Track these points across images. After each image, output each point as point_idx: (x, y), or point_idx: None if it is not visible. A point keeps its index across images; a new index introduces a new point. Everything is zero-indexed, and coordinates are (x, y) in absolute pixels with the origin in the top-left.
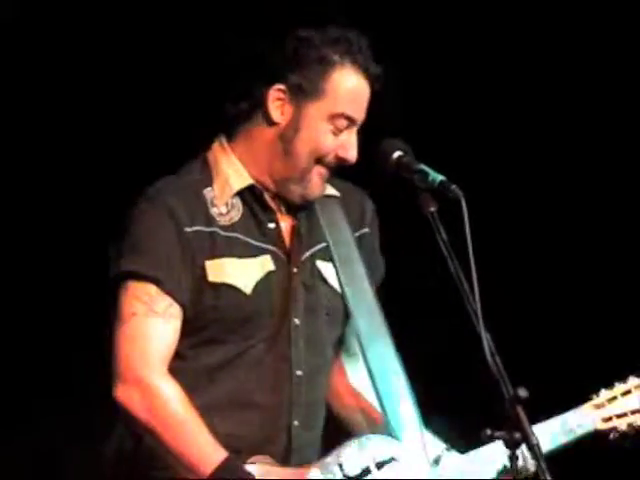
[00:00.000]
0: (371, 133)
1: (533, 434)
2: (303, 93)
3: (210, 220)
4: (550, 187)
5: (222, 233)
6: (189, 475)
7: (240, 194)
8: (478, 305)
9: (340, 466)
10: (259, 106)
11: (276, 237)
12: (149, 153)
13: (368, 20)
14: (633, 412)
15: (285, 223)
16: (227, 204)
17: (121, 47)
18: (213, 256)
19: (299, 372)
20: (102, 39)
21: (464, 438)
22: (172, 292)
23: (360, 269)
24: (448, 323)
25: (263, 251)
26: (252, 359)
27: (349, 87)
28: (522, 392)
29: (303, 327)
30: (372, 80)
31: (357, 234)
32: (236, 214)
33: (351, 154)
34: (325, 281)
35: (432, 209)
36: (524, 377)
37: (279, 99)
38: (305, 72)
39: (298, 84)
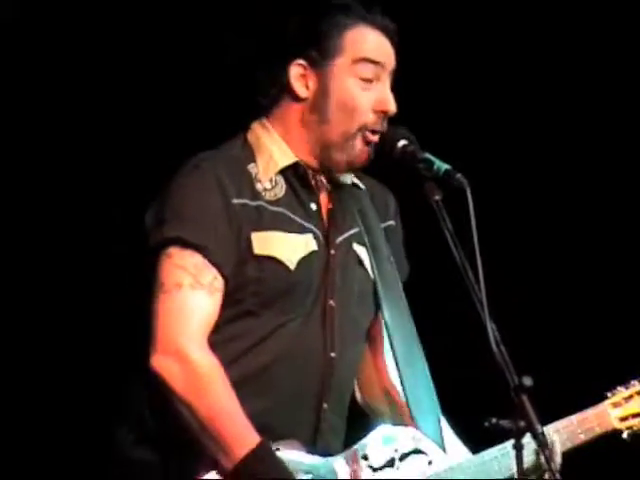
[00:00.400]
0: None
1: (538, 422)
2: (322, 59)
3: (256, 194)
4: (555, 175)
5: (268, 207)
6: (219, 455)
7: (283, 172)
8: (484, 294)
9: (365, 457)
10: (285, 86)
11: (317, 217)
12: (166, 152)
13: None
14: None
15: (325, 204)
16: (271, 180)
17: (130, 42)
18: (260, 228)
19: (333, 354)
20: (108, 32)
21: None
22: (218, 264)
23: (388, 258)
24: (452, 313)
25: (306, 230)
26: (286, 336)
27: (365, 37)
28: (527, 381)
29: (338, 309)
30: (388, 33)
31: (383, 225)
32: (280, 191)
33: (389, 104)
34: (362, 264)
35: (437, 198)
36: (530, 367)
37: (301, 75)
38: (320, 40)
39: (315, 53)
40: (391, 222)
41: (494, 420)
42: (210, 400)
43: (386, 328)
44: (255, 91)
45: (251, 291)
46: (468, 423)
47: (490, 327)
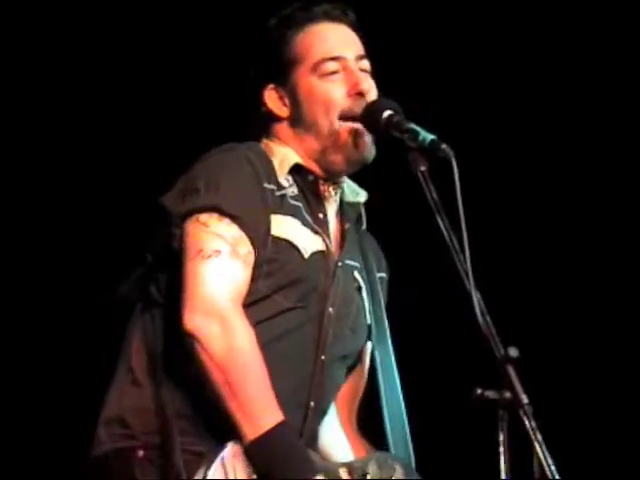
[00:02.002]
0: None
1: (523, 393)
2: (284, 74)
3: (279, 185)
4: (547, 156)
5: (289, 199)
6: (244, 423)
7: (294, 176)
8: (469, 264)
9: (364, 475)
10: (268, 112)
11: (325, 227)
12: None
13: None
14: None
15: (334, 222)
16: (287, 179)
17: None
18: (280, 212)
19: (323, 357)
20: (107, 36)
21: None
22: (253, 239)
23: (382, 305)
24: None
25: (317, 232)
26: (288, 323)
27: (314, 39)
28: (513, 352)
29: (333, 318)
30: (340, 20)
31: (378, 275)
32: (295, 190)
33: (360, 83)
34: (360, 292)
35: (422, 168)
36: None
37: (277, 97)
38: (276, 57)
39: (276, 71)
40: (383, 274)
41: (479, 391)
42: (246, 367)
43: (375, 371)
44: (242, 123)
45: (265, 271)
46: (453, 393)
47: (475, 297)
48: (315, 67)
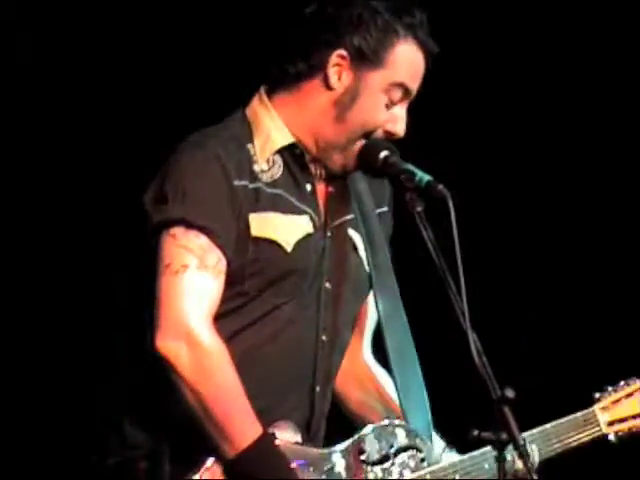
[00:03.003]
0: None
1: (520, 434)
2: (364, 61)
3: (254, 176)
4: (539, 187)
5: (266, 189)
6: (221, 442)
7: (279, 152)
8: (465, 305)
9: (361, 451)
10: (317, 68)
11: (313, 200)
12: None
13: None
14: (634, 416)
15: (320, 187)
16: (268, 161)
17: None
18: (257, 210)
19: (324, 337)
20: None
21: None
22: (222, 246)
23: (383, 246)
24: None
25: (302, 211)
26: (281, 318)
27: (410, 59)
28: (509, 392)
29: (333, 292)
30: (428, 57)
31: (378, 211)
32: (277, 171)
33: (400, 127)
34: (356, 250)
35: (419, 209)
36: (511, 377)
37: (339, 65)
38: (369, 40)
39: (360, 51)
40: (385, 208)
41: (476, 432)
42: (217, 387)
43: (379, 319)
44: (278, 60)
45: (249, 272)
46: (450, 434)
47: (472, 337)
48: (392, 84)
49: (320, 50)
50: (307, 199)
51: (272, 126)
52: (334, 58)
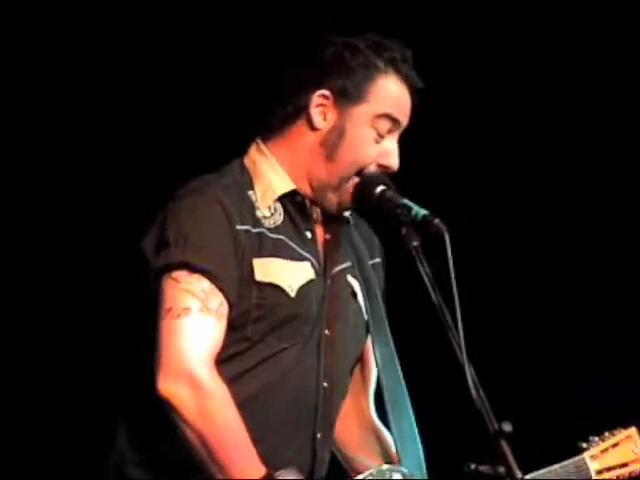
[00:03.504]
0: None
1: (517, 468)
2: (347, 97)
3: (256, 221)
4: (533, 219)
5: (269, 235)
6: None
7: (280, 199)
8: (462, 339)
9: None
10: (302, 111)
11: (313, 246)
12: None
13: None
14: (622, 465)
15: (318, 234)
16: (269, 207)
17: (132, 44)
18: (261, 255)
19: (325, 383)
20: (112, 34)
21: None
22: (225, 290)
23: (378, 296)
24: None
25: (304, 258)
26: (283, 363)
27: (393, 91)
28: (506, 426)
29: (333, 339)
30: (413, 92)
31: (371, 262)
32: (279, 217)
33: (393, 161)
34: (355, 297)
35: (415, 243)
36: (508, 410)
37: (322, 104)
38: (350, 77)
39: (343, 89)
40: (377, 259)
41: (473, 466)
42: (219, 429)
43: (376, 365)
44: (268, 106)
45: (253, 317)
46: (448, 468)
47: (469, 371)
48: (377, 116)
49: (303, 92)
50: (308, 245)
51: (272, 173)
52: (316, 99)
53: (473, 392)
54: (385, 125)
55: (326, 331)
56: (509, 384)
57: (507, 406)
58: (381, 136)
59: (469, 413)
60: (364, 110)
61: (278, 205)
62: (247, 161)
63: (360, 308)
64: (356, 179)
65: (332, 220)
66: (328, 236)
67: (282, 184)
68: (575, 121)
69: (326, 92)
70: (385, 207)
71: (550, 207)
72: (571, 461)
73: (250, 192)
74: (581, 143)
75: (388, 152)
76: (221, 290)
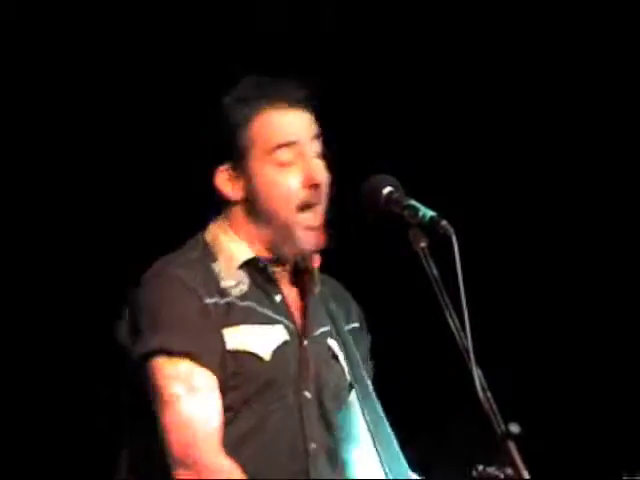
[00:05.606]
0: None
1: (525, 470)
2: (236, 158)
3: (223, 292)
4: (537, 225)
5: (237, 303)
6: None
7: (244, 268)
8: (469, 341)
9: None
10: (218, 193)
11: (285, 309)
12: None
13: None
14: None
15: (292, 297)
16: (234, 277)
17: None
18: (231, 324)
19: (313, 445)
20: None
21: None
22: (207, 364)
23: (359, 361)
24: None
25: (276, 321)
26: (268, 431)
27: (270, 124)
28: (514, 428)
29: (314, 401)
30: (297, 103)
31: (347, 327)
32: (244, 286)
33: (315, 175)
34: (337, 359)
35: (422, 245)
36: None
37: (227, 179)
38: (231, 142)
39: (228, 154)
40: (355, 324)
41: (481, 467)
42: None
43: (368, 429)
44: (199, 201)
45: (231, 386)
46: (456, 470)
47: (476, 373)
48: (271, 153)
49: (209, 180)
50: (279, 309)
51: (231, 244)
52: (219, 177)
53: (480, 394)
54: (282, 154)
55: (305, 393)
56: (517, 385)
57: (515, 407)
58: (288, 164)
59: (477, 415)
60: (255, 157)
61: (243, 274)
62: (207, 235)
63: (343, 371)
64: (303, 219)
65: (305, 283)
66: (304, 300)
67: (242, 253)
68: (576, 121)
69: (223, 166)
70: (392, 209)
71: (557, 209)
72: None
73: (214, 264)
74: (581, 143)
75: (305, 172)
76: (204, 365)
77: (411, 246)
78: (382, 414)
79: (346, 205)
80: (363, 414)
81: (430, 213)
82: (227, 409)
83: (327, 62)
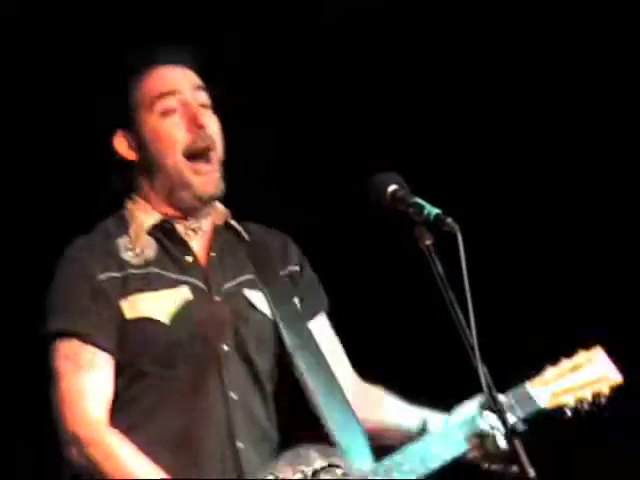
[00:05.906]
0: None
1: (530, 467)
2: (130, 118)
3: (123, 265)
4: (545, 221)
5: (135, 272)
6: None
7: (152, 234)
8: (475, 339)
9: (276, 479)
10: (120, 159)
11: (196, 269)
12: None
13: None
14: (581, 387)
15: (203, 255)
16: (142, 244)
17: None
18: (127, 294)
19: (234, 395)
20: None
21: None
22: (95, 341)
23: (295, 301)
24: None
25: (180, 283)
26: (184, 389)
27: (149, 79)
28: (519, 426)
29: (233, 353)
30: (176, 61)
31: (283, 272)
32: (150, 252)
33: (197, 117)
34: (254, 308)
35: (428, 242)
36: None
37: (124, 142)
38: (121, 104)
39: (123, 117)
40: (293, 268)
41: (486, 464)
42: (110, 458)
43: (299, 373)
44: (108, 177)
45: (136, 353)
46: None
47: (482, 371)
48: (152, 103)
49: (108, 149)
50: (188, 269)
51: (141, 213)
52: (116, 141)
53: (486, 391)
54: (162, 103)
55: (224, 347)
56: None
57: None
58: (171, 112)
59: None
60: (143, 111)
61: (151, 240)
62: (124, 211)
63: (264, 317)
64: (193, 166)
65: (219, 238)
66: (213, 254)
67: (149, 218)
68: (577, 120)
69: (120, 131)
70: (397, 207)
71: (562, 206)
72: (521, 387)
73: (120, 240)
74: (582, 143)
75: (187, 116)
76: (92, 343)
77: (416, 244)
78: (317, 351)
79: (352, 203)
80: (292, 355)
81: (435, 211)
82: (142, 375)
83: (327, 61)
